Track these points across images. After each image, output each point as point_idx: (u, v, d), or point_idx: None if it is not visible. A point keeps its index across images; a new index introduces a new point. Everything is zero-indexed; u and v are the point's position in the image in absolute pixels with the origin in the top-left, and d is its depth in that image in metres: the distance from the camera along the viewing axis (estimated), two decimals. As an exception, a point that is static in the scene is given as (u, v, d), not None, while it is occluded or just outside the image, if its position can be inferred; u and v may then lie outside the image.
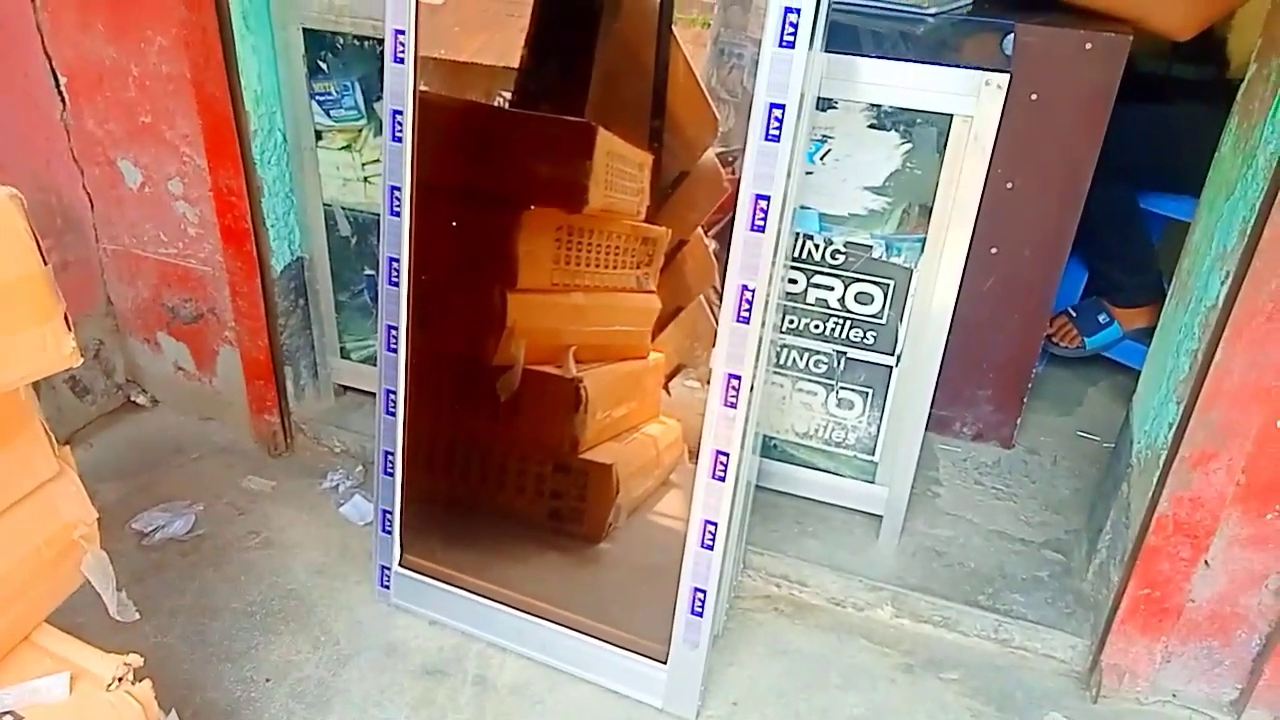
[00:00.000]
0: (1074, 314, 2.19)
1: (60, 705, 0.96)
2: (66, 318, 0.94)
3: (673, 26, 1.43)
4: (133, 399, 2.07)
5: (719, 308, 1.26)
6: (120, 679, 0.97)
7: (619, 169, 1.45)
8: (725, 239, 1.24)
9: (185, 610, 1.56)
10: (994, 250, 1.72)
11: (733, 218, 1.22)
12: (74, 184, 1.87)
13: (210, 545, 1.70)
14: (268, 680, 1.45)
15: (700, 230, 1.48)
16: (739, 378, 1.25)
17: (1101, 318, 2.16)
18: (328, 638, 1.53)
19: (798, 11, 1.12)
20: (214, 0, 1.56)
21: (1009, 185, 1.66)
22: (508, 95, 1.51)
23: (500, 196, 1.48)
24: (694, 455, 1.34)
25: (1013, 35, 1.53)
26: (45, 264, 0.92)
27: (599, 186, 1.43)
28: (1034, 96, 1.59)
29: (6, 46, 1.69)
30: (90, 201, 1.89)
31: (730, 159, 1.44)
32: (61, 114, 1.80)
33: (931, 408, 1.55)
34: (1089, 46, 1.56)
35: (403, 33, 1.33)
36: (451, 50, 1.46)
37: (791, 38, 1.14)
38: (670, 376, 1.57)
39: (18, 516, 0.98)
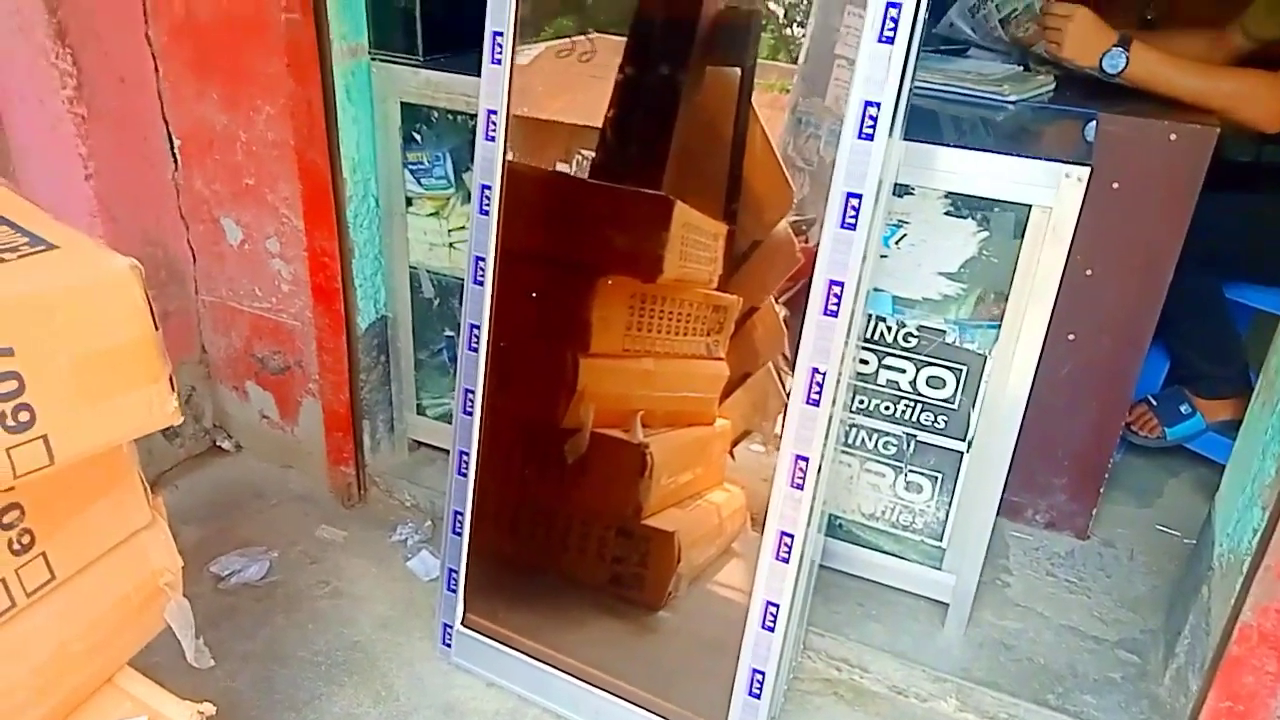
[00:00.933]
0: (1154, 403, 2.12)
1: (137, 749, 1.00)
2: (171, 379, 0.98)
3: (751, 98, 1.46)
4: (218, 444, 2.15)
5: (787, 375, 1.27)
6: (194, 727, 1.01)
7: (694, 239, 1.47)
8: (795, 306, 1.25)
9: (255, 656, 1.60)
10: (1071, 336, 1.69)
11: (805, 286, 1.23)
12: (179, 239, 1.98)
13: (282, 592, 1.75)
14: (329, 732, 1.48)
15: (770, 297, 1.49)
16: (807, 459, 1.25)
17: (1184, 408, 2.08)
18: (389, 693, 1.55)
19: (878, 105, 1.15)
20: (320, 75, 1.66)
21: (1088, 272, 1.63)
22: (588, 153, 1.55)
23: (577, 264, 1.52)
24: (756, 523, 1.34)
25: (1095, 123, 1.53)
26: (157, 328, 0.98)
27: (674, 257, 1.46)
28: (1115, 185, 1.57)
29: (131, 112, 1.81)
30: (193, 255, 2.01)
31: (803, 227, 1.46)
32: (173, 174, 1.92)
33: (1003, 493, 1.52)
34: (1174, 137, 1.54)
35: (495, 113, 1.40)
36: (534, 109, 1.49)
37: (871, 130, 1.16)
38: (735, 442, 1.57)
39: (111, 563, 1.03)
